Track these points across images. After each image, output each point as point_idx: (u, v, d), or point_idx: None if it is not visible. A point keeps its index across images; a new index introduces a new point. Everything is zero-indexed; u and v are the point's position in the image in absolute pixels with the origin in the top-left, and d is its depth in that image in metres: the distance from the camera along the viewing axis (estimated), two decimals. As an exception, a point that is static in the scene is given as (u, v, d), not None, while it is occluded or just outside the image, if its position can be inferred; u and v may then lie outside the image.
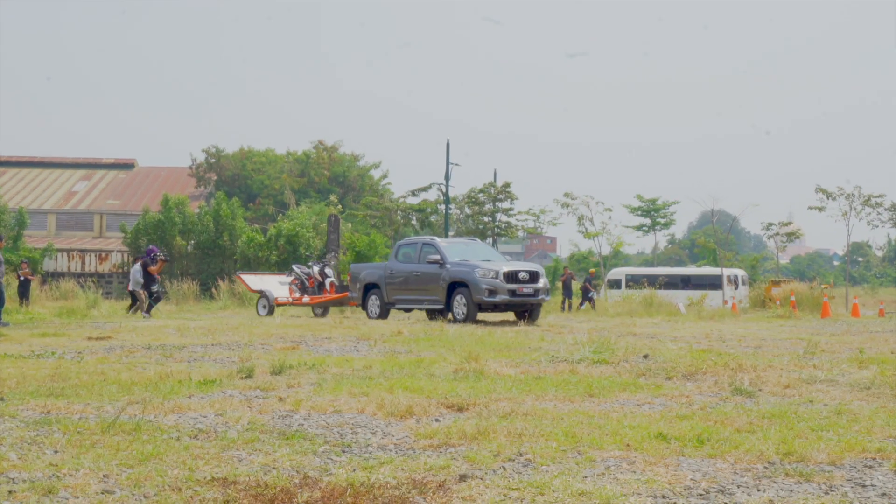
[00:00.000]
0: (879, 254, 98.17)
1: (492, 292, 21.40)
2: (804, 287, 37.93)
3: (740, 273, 46.85)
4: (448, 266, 22.33)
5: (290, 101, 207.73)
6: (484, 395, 9.21)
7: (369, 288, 24.37)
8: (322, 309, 27.11)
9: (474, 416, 8.08)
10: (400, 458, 6.43)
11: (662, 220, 59.74)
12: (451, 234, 49.26)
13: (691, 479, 5.94)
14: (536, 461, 6.35)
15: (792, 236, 53.17)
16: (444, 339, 16.23)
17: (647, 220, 59.08)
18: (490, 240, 49.00)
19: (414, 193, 49.70)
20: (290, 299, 26.90)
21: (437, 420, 7.91)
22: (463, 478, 5.88)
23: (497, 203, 47.96)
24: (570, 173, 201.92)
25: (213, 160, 62.47)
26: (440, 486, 5.71)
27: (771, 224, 52.71)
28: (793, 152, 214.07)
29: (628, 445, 6.87)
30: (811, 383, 10.64)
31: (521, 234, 53.04)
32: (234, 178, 62.14)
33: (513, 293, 21.63)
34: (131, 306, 26.03)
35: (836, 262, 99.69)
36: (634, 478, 5.94)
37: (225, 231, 42.27)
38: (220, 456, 6.38)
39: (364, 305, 24.64)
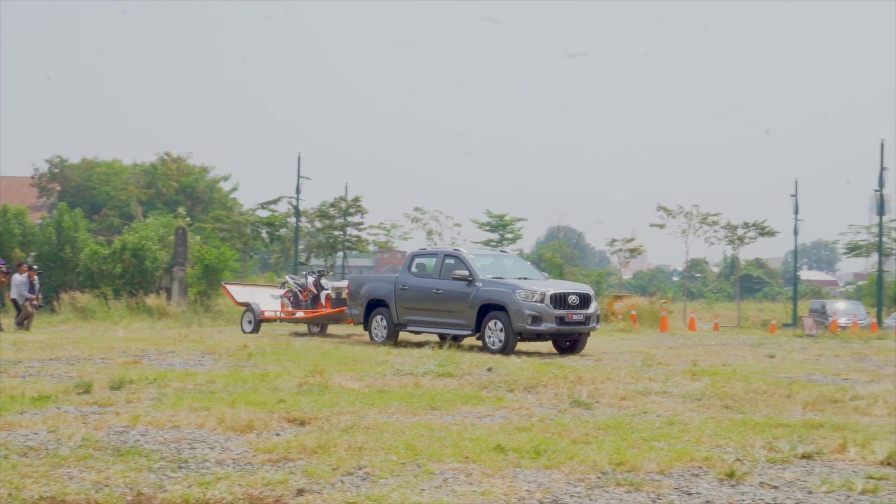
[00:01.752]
0: (716, 270, 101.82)
1: (536, 319, 17.56)
2: (645, 301, 38.99)
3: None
4: (479, 284, 18.51)
5: (137, 111, 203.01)
6: (327, 409, 9.21)
7: (374, 305, 20.56)
8: (319, 326, 24.24)
9: (316, 429, 8.06)
10: (237, 473, 6.38)
11: (510, 236, 60.61)
12: (300, 247, 48.89)
13: (526, 490, 6.07)
14: (375, 474, 6.38)
15: (635, 252, 54.55)
16: (291, 352, 16.12)
17: (496, 236, 59.84)
18: (341, 254, 48.87)
19: (263, 206, 49.11)
20: (280, 313, 23.92)
21: (277, 434, 7.87)
22: (300, 492, 5.88)
23: (348, 217, 47.79)
24: (421, 188, 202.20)
25: (56, 170, 60.79)
26: (277, 500, 5.69)
27: (615, 240, 53.98)
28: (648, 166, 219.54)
29: (467, 458, 6.97)
30: (646, 395, 10.99)
31: (371, 248, 53.00)
32: (78, 188, 60.45)
33: (561, 320, 17.78)
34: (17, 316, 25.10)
35: (675, 278, 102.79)
36: (471, 489, 6.04)
37: (67, 243, 41.00)
38: (50, 474, 6.21)
39: (367, 326, 20.76)
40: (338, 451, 7.06)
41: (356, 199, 47.77)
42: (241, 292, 25.43)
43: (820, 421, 9.07)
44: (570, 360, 15.87)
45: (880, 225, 44.14)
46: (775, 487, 6.29)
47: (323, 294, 23.65)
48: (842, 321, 37.50)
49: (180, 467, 6.55)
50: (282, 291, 24.75)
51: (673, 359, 16.86)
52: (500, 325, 17.90)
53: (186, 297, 33.92)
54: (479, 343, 18.53)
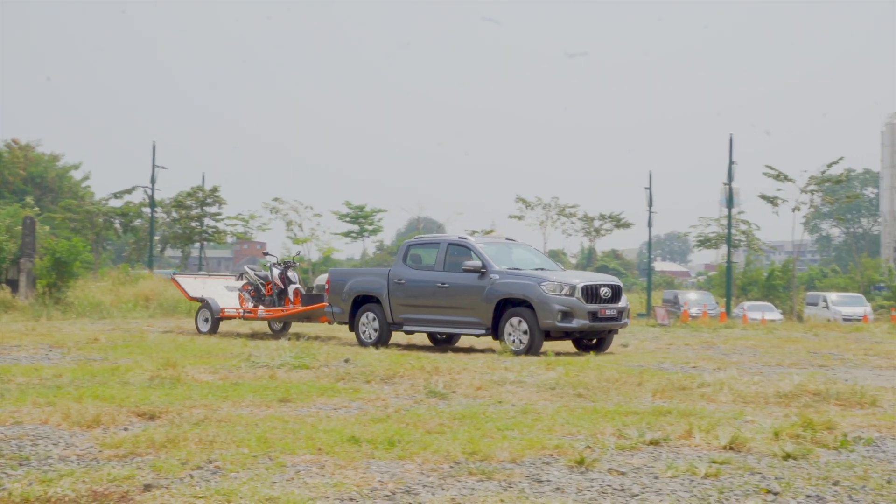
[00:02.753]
0: (573, 261, 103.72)
1: (566, 315, 15.72)
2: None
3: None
4: (494, 276, 16.33)
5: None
6: (178, 403, 9.02)
7: (362, 302, 18.17)
8: (282, 323, 21.58)
9: (166, 423, 7.89)
10: (82, 469, 6.18)
11: (371, 227, 60.67)
12: (156, 238, 47.89)
13: (379, 481, 6.05)
14: (226, 468, 6.27)
15: (494, 244, 55.35)
16: (143, 345, 15.76)
17: (356, 227, 59.80)
18: (198, 245, 48.07)
19: (117, 196, 47.95)
20: (241, 311, 21.06)
21: (125, 429, 7.66)
22: (147, 487, 5.73)
23: (205, 207, 46.99)
24: (281, 178, 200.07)
25: None
26: (123, 497, 5.54)
27: (474, 231, 54.57)
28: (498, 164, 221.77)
29: (320, 450, 6.92)
30: (502, 384, 11.10)
31: (230, 239, 52.33)
32: (-84, 176, 58.15)
33: (594, 316, 15.99)
34: None
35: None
36: (323, 481, 5.99)
37: None
38: None
39: (353, 325, 18.23)
40: (188, 445, 6.91)
41: (214, 190, 47.05)
42: (193, 285, 22.69)
43: (668, 408, 9.30)
44: (426, 351, 15.92)
45: (729, 217, 45.67)
46: (623, 473, 6.42)
47: (291, 288, 20.93)
48: (693, 311, 38.75)
49: (21, 465, 6.32)
50: (239, 284, 22.14)
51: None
52: (522, 322, 15.92)
53: (35, 289, 32.83)
54: (497, 343, 16.32)
